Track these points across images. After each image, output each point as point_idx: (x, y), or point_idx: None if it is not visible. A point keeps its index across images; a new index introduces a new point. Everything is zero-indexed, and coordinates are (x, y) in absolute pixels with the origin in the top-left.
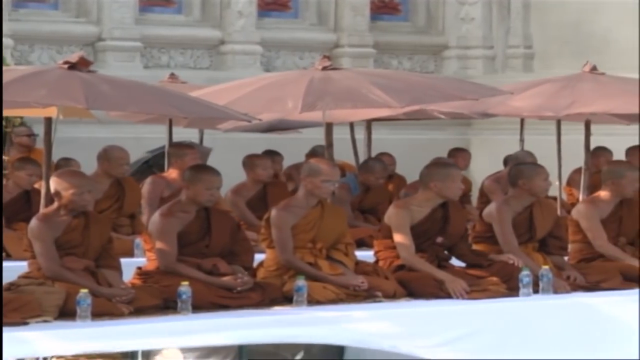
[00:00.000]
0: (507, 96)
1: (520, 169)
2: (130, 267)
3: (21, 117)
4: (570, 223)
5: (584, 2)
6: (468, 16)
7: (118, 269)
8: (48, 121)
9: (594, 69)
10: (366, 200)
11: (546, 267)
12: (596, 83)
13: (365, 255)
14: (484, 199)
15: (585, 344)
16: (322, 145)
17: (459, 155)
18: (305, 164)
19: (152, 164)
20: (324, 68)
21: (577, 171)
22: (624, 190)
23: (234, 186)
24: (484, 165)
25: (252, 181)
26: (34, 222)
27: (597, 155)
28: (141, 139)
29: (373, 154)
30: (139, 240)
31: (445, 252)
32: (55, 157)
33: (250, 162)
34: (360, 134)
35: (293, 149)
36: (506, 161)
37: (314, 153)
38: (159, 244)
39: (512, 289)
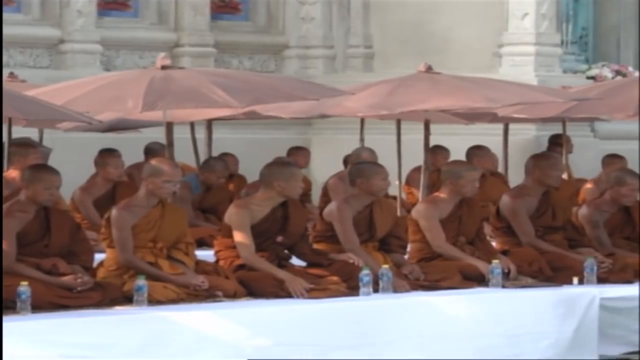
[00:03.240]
0: (346, 96)
1: (359, 167)
2: None
3: None
4: (410, 223)
5: (424, 2)
6: (308, 16)
7: None
8: None
9: (429, 68)
10: (207, 200)
11: (386, 266)
12: (431, 82)
13: (205, 254)
14: (327, 198)
15: (423, 342)
16: (157, 142)
17: (299, 154)
18: (147, 164)
19: None
20: (164, 67)
21: (416, 170)
22: (463, 190)
23: (83, 183)
24: (324, 164)
25: (102, 179)
26: None
27: (435, 153)
28: None
29: (214, 154)
30: None
31: (286, 251)
32: None
33: (101, 160)
34: (201, 134)
35: (133, 148)
36: (346, 160)
37: (149, 150)
38: None
39: (352, 288)
